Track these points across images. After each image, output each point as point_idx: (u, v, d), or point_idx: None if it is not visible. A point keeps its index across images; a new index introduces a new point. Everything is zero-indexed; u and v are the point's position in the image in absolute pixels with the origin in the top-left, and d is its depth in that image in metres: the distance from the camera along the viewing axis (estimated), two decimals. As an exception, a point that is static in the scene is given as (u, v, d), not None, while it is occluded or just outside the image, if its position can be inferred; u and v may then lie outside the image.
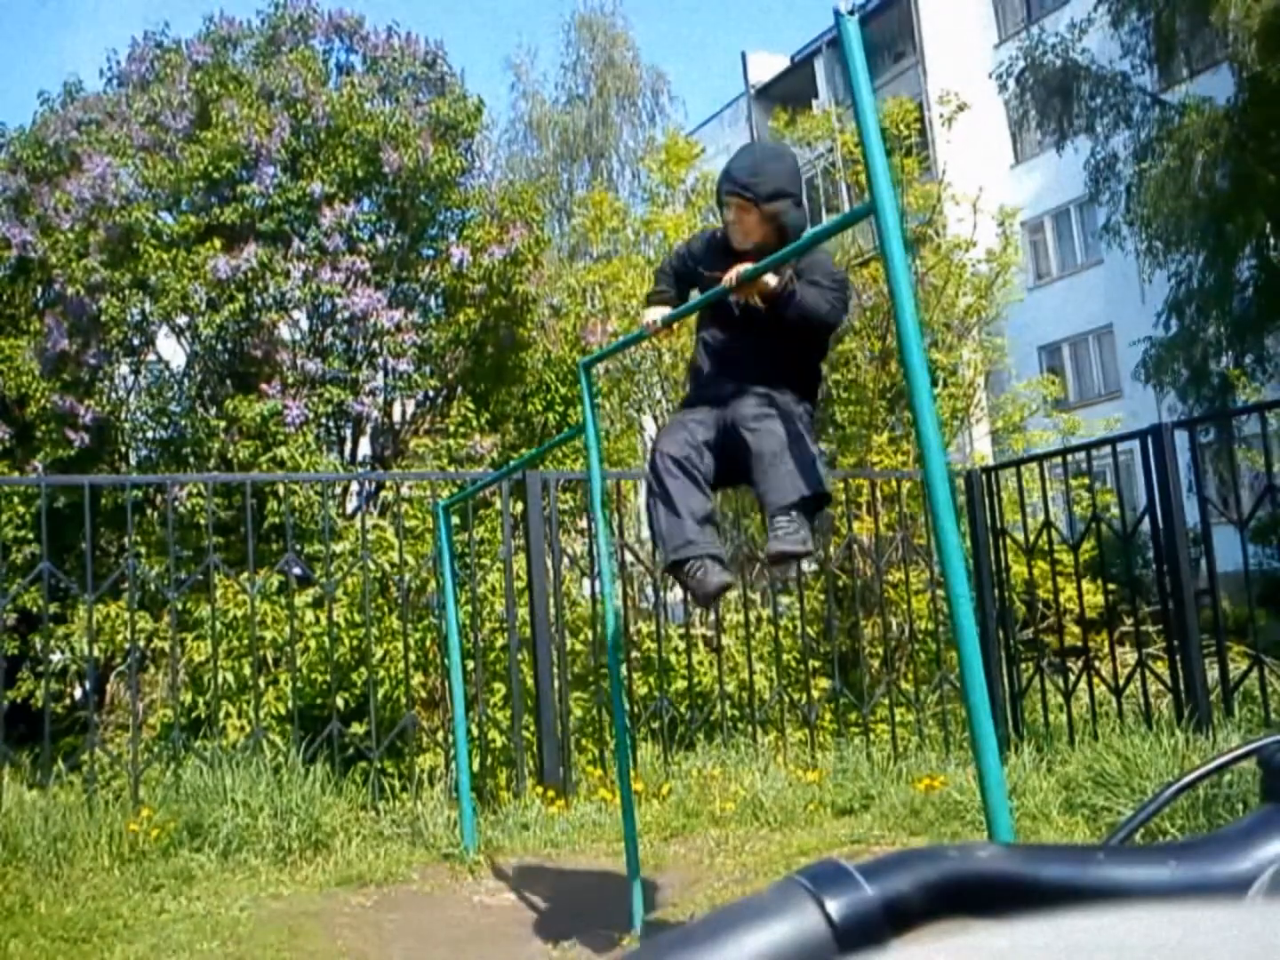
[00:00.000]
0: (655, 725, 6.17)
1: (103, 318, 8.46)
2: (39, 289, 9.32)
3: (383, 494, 8.87)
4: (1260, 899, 0.44)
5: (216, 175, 8.84)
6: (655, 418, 9.66)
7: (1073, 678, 5.95)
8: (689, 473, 3.14)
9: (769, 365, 3.20)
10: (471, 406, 9.12)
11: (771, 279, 3.06)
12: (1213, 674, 5.36)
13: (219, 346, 9.13)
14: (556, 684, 5.74)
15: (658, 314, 3.37)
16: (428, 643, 6.32)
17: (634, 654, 6.51)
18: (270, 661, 6.63)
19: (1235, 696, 5.27)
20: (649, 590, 7.38)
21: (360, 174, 9.08)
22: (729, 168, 3.22)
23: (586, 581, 6.86)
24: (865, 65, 2.33)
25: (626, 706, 5.68)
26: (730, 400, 3.18)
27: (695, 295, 3.43)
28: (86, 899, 4.24)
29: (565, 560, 6.44)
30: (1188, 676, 5.28)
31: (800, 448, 3.07)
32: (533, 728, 5.77)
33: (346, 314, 8.62)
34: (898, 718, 6.40)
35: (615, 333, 9.07)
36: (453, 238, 9.41)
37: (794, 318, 3.10)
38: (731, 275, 3.03)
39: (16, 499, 8.01)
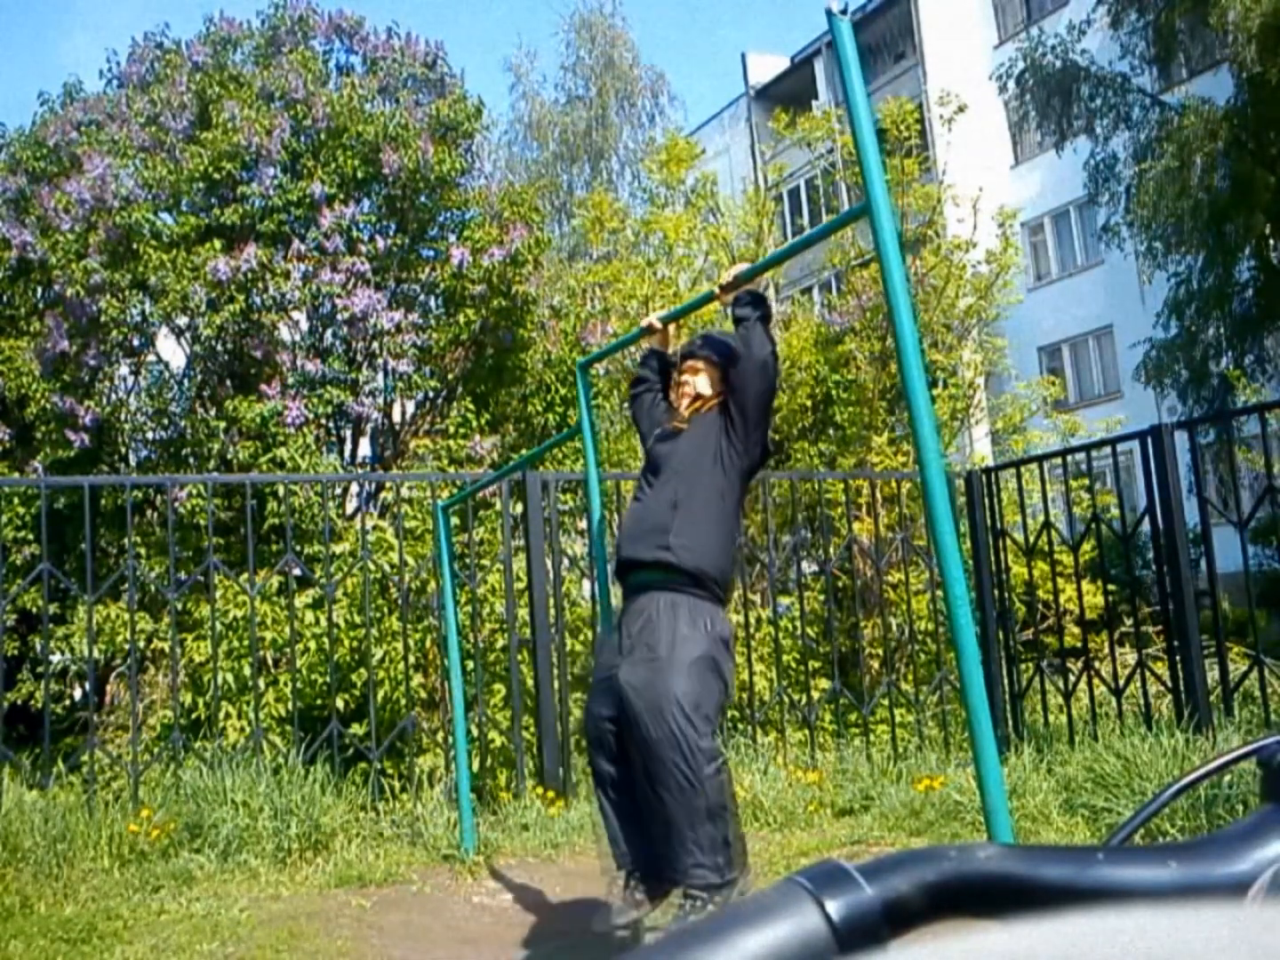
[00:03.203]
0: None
1: (103, 318, 8.46)
2: (39, 290, 9.31)
3: (382, 495, 8.87)
4: (1260, 900, 0.44)
5: (216, 176, 8.84)
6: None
7: (1072, 678, 5.95)
8: (602, 785, 3.08)
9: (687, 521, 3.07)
10: (471, 407, 9.12)
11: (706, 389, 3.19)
12: (1213, 674, 5.36)
13: (219, 347, 9.12)
14: (556, 684, 5.74)
15: (655, 315, 3.40)
16: (427, 643, 6.32)
17: (634, 655, 6.50)
18: (270, 662, 6.62)
19: (1235, 697, 5.26)
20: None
21: (360, 175, 9.07)
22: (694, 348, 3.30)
23: (586, 582, 6.86)
24: (858, 64, 2.32)
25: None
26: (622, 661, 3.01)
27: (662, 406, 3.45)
28: (86, 900, 4.24)
29: (565, 561, 6.44)
30: (1188, 677, 5.27)
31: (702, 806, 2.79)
32: (532, 728, 5.77)
33: (346, 315, 8.61)
34: (897, 718, 6.40)
35: (615, 334, 9.07)
36: (453, 238, 9.41)
37: (758, 353, 3.07)
38: (729, 274, 3.06)
39: (16, 499, 8.00)
